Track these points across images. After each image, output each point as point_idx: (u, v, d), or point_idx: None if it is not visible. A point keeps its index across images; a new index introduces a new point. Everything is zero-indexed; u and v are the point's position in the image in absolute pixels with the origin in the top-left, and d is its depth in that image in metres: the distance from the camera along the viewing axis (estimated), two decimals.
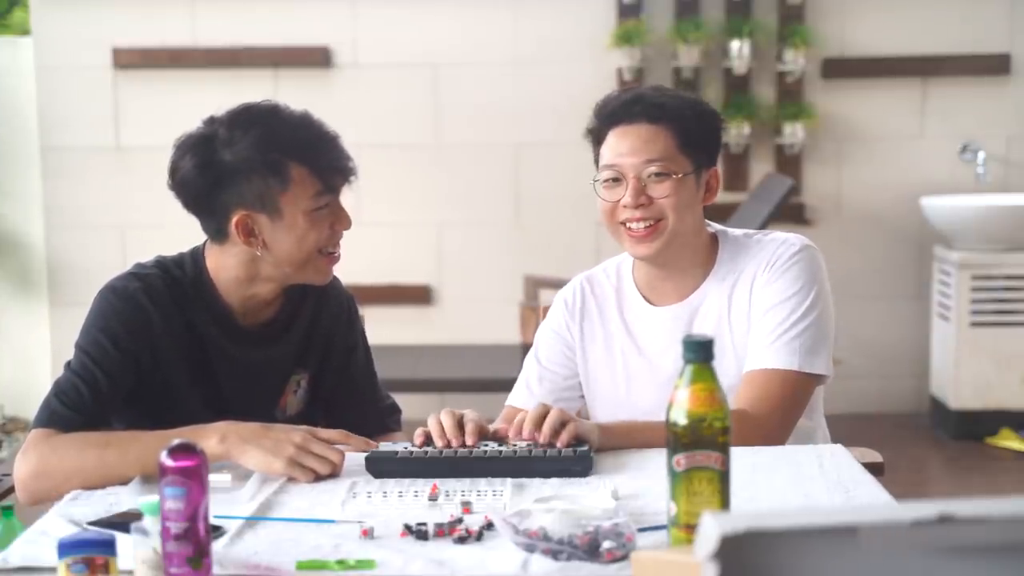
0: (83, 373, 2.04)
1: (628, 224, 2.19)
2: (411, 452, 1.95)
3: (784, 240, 2.25)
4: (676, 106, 2.20)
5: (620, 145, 2.19)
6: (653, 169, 2.17)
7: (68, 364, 2.07)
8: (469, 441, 1.95)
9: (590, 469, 1.92)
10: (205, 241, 2.16)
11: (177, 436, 1.91)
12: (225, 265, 2.12)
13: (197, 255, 2.16)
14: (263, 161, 2.02)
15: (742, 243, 2.27)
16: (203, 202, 2.07)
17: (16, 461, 1.99)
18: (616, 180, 2.20)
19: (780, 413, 2.13)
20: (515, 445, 1.96)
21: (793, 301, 2.17)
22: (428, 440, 1.98)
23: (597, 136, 2.25)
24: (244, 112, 2.08)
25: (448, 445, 1.95)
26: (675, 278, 2.26)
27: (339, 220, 2.11)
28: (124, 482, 1.92)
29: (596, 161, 2.26)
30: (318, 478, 1.90)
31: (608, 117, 2.22)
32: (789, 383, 2.14)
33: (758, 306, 2.19)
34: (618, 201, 2.19)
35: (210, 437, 1.90)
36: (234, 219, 2.05)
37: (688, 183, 2.19)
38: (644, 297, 2.30)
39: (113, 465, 1.93)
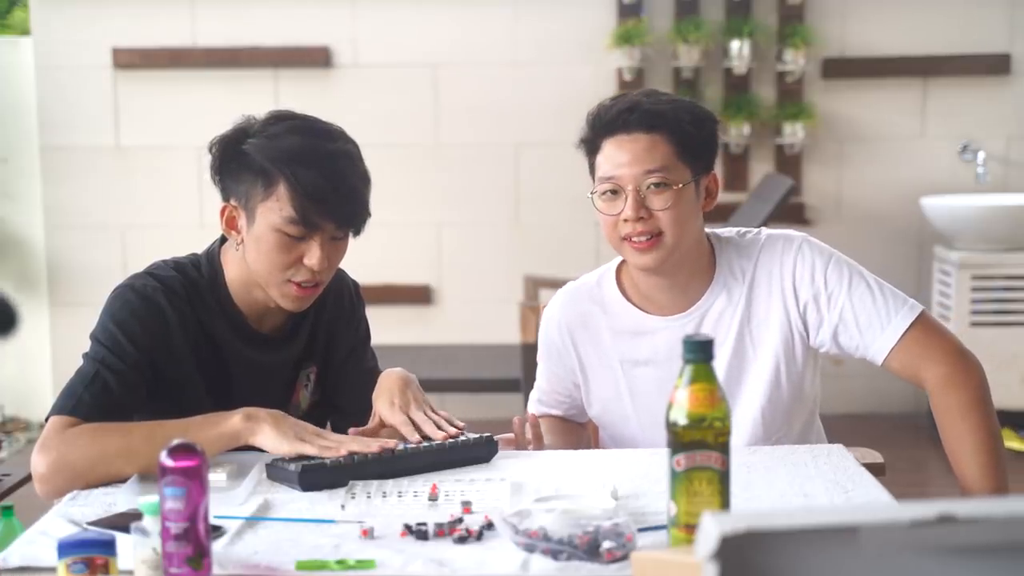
0: (108, 363, 2.02)
1: (630, 237, 2.14)
2: (326, 463, 1.92)
3: (785, 237, 2.23)
4: (673, 113, 2.13)
5: (618, 156, 2.12)
6: (652, 180, 2.11)
7: (86, 355, 2.05)
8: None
9: (495, 452, 2.05)
10: (220, 242, 2.16)
11: (203, 422, 1.95)
12: (229, 262, 2.13)
13: (213, 256, 2.16)
14: (260, 165, 2.03)
15: (736, 243, 2.25)
16: (216, 178, 2.11)
17: (34, 455, 1.94)
18: (615, 192, 2.13)
19: (954, 345, 2.17)
20: (425, 442, 2.03)
21: (856, 279, 2.20)
22: None
23: (591, 146, 2.18)
24: (292, 120, 2.08)
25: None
26: (676, 288, 2.21)
27: (309, 256, 2.05)
28: (148, 471, 1.89)
29: (591, 171, 2.20)
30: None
31: (603, 127, 2.14)
32: (926, 323, 2.18)
33: (830, 306, 2.19)
34: (618, 215, 2.13)
35: (235, 415, 1.95)
36: (224, 204, 2.10)
37: (687, 193, 2.13)
38: (639, 308, 2.24)
39: (138, 451, 1.91)
